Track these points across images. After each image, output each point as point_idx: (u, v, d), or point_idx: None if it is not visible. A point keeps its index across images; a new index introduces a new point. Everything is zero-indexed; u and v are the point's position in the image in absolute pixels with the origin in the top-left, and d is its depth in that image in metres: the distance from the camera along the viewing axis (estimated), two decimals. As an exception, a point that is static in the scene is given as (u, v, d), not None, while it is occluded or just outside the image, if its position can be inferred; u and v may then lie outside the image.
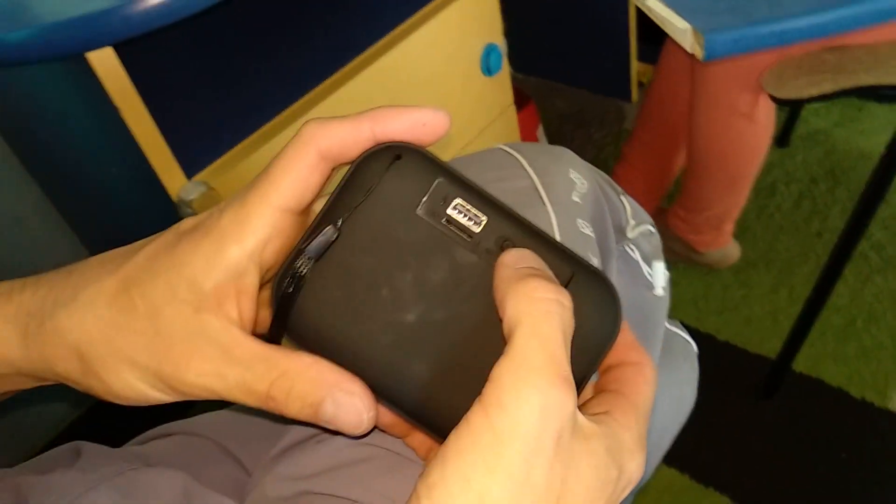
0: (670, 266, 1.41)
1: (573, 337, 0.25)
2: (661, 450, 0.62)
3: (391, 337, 0.27)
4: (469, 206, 0.27)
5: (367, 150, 0.27)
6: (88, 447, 0.41)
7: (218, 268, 0.26)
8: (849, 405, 1.13)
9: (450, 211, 0.27)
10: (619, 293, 0.57)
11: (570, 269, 0.27)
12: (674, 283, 1.35)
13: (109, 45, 0.57)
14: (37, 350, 0.28)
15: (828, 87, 0.83)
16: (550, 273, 0.26)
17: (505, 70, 1.01)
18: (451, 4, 0.87)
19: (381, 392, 0.27)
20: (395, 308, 0.27)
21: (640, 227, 0.58)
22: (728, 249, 1.36)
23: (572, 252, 0.27)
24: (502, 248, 0.26)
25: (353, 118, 0.27)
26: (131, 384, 0.27)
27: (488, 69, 0.97)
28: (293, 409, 0.26)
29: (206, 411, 0.46)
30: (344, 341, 0.27)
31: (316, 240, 0.26)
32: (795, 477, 1.07)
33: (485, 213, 0.27)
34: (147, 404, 0.28)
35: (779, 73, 0.89)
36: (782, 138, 1.57)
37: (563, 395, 0.23)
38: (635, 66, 1.73)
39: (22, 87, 0.75)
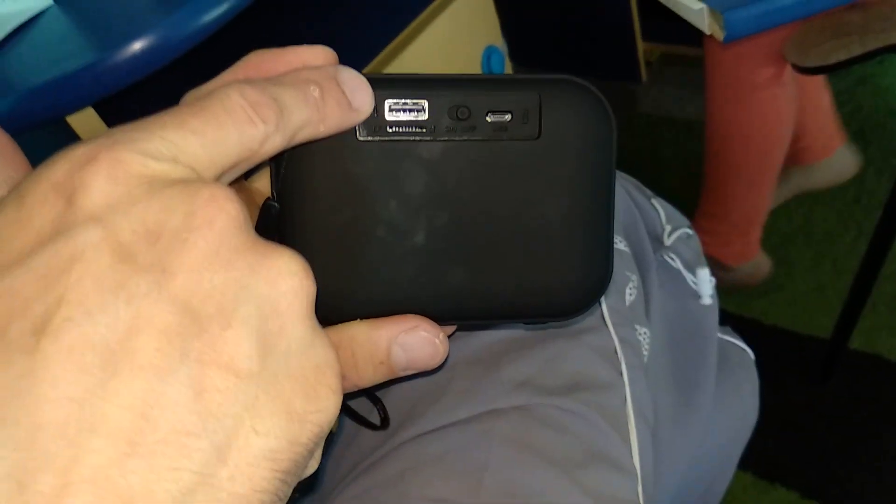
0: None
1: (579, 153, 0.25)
2: (731, 469, 0.57)
3: (413, 265, 0.25)
4: (403, 100, 0.24)
5: None
6: None
7: None
8: (913, 379, 1.07)
9: (388, 116, 0.24)
10: (664, 307, 0.52)
11: (535, 92, 0.25)
12: (709, 269, 1.30)
13: (87, 105, 0.53)
14: None
15: (856, 49, 0.78)
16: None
17: (508, 71, 0.96)
18: (443, 12, 0.83)
19: (441, 317, 0.25)
20: (399, 240, 0.25)
21: (678, 231, 0.53)
22: (759, 260, 1.24)
23: (529, 76, 0.25)
24: (460, 119, 0.24)
25: (224, 73, 0.23)
26: None
27: (490, 73, 0.92)
28: (367, 375, 0.24)
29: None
30: (372, 296, 0.25)
31: (260, 219, 0.24)
32: (866, 462, 1.01)
33: (422, 96, 0.24)
34: None
35: (800, 40, 0.83)
36: (804, 104, 1.50)
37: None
38: (641, 45, 1.68)
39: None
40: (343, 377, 0.23)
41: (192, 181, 0.18)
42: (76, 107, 0.53)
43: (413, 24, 0.82)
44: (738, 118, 1.04)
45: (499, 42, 0.93)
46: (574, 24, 1.73)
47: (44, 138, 0.61)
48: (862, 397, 1.07)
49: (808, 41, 0.82)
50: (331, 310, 0.25)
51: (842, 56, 0.77)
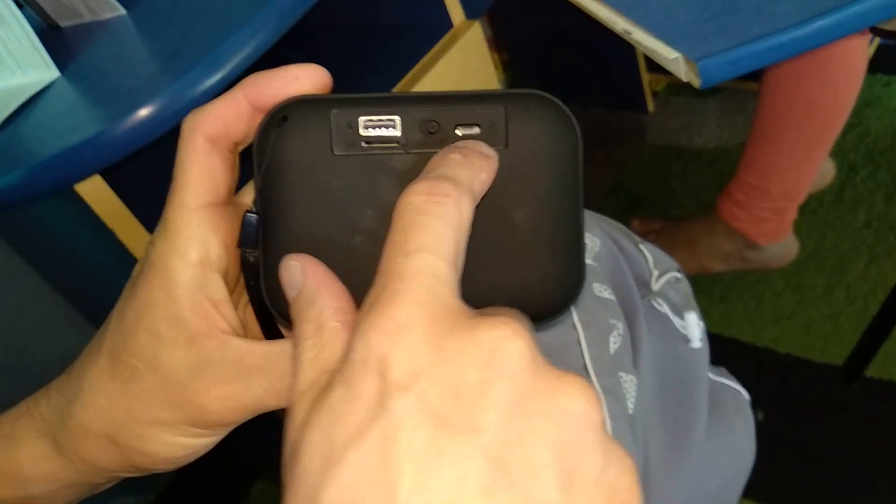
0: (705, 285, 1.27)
1: (545, 161, 0.26)
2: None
3: None
4: (376, 117, 0.25)
5: (256, 130, 0.26)
6: None
7: (179, 292, 0.26)
8: (932, 405, 1.05)
9: (362, 132, 0.26)
10: (653, 352, 0.52)
11: (500, 106, 0.26)
12: (723, 298, 1.29)
13: (92, 174, 0.56)
14: (74, 454, 0.28)
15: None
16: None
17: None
18: (438, 62, 0.85)
19: None
20: (375, 248, 0.25)
21: (666, 275, 0.54)
22: (788, 241, 1.19)
23: (496, 90, 0.26)
24: (430, 132, 0.26)
25: (226, 94, 0.26)
26: (171, 441, 0.27)
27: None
28: None
29: None
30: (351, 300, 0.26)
31: (242, 232, 0.26)
32: (886, 492, 0.99)
33: (394, 113, 0.25)
34: (199, 455, 0.28)
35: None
36: (811, 129, 1.50)
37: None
38: (646, 76, 1.69)
39: (24, 215, 0.76)
40: None
41: (471, 327, 0.20)
42: (81, 177, 0.55)
43: (408, 76, 0.85)
44: (807, 75, 0.97)
45: (494, 88, 0.95)
46: (581, 60, 1.75)
47: (53, 204, 0.64)
48: (879, 425, 1.06)
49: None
50: None
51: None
